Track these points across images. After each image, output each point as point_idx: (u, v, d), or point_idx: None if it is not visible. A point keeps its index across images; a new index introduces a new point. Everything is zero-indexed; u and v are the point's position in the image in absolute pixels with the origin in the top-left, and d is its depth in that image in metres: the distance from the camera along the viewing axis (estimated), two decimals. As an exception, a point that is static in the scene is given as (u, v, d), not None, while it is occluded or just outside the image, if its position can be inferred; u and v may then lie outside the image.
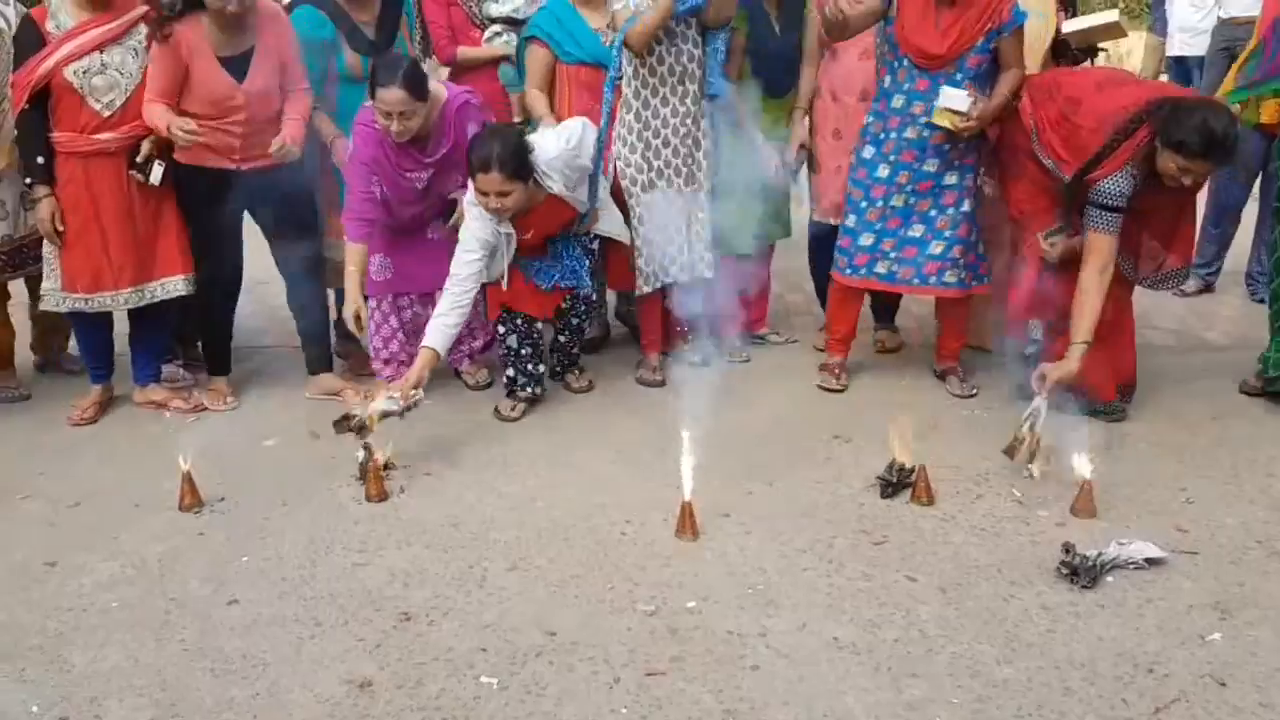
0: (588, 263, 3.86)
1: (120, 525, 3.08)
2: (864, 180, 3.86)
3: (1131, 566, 2.74)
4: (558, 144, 3.52)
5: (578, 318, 3.96)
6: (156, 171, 3.63)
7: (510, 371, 3.86)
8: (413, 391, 3.40)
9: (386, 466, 3.31)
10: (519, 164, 3.39)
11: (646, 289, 4.01)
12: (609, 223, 3.87)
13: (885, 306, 4.55)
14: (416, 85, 3.48)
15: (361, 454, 3.27)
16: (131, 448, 3.64)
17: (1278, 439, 3.55)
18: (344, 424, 3.34)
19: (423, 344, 3.51)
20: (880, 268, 3.93)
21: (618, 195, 3.92)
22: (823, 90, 4.21)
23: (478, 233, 3.53)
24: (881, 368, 4.31)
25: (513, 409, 3.83)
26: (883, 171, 3.82)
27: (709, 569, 2.80)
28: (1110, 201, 3.37)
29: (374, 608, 2.64)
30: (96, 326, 3.91)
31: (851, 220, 3.92)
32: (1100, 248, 3.39)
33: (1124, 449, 3.41)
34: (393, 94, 3.43)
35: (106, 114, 3.59)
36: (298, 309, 4.08)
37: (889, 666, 2.39)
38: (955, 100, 3.59)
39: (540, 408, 3.93)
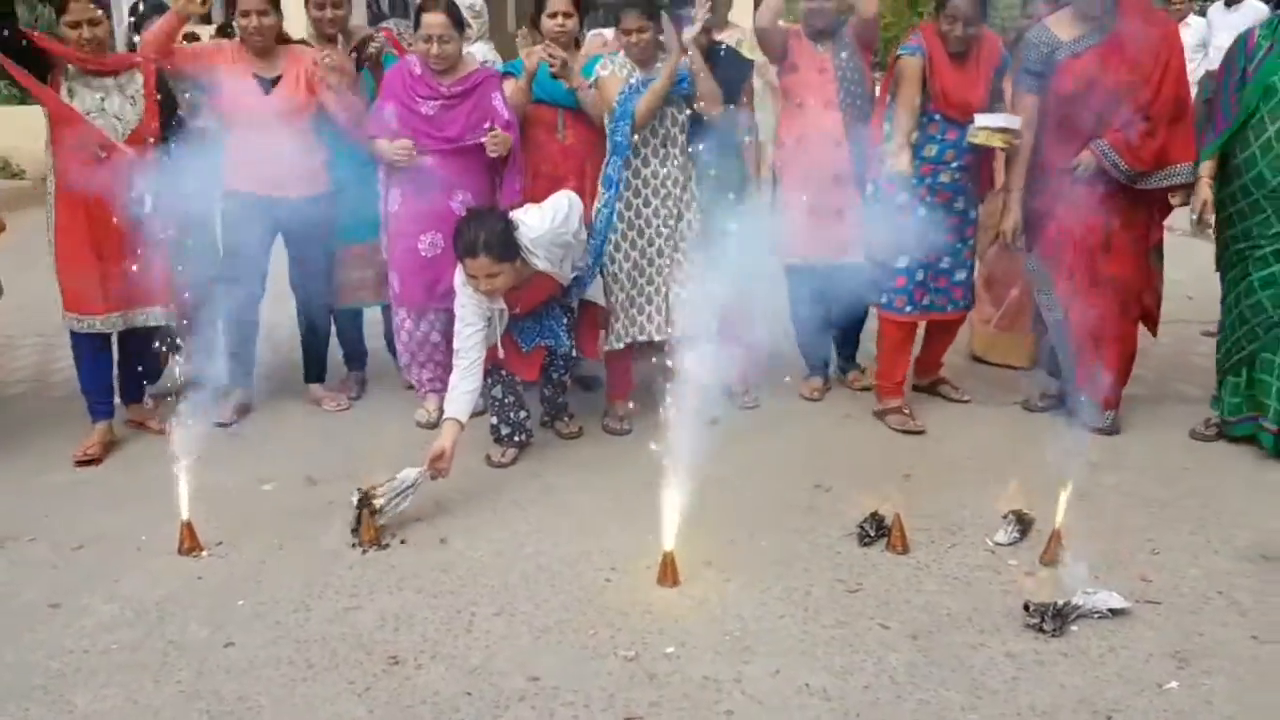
0: (565, 320, 3.98)
1: (121, 568, 3.18)
2: (910, 224, 4.14)
3: (1096, 616, 2.84)
4: (543, 222, 3.65)
5: (558, 372, 4.10)
6: (151, 201, 3.84)
7: (494, 420, 3.98)
8: (422, 470, 3.48)
9: (378, 511, 3.38)
10: (504, 246, 3.54)
11: (618, 345, 4.13)
12: (593, 289, 4.02)
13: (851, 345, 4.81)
14: (456, 16, 4.03)
15: (356, 497, 3.38)
16: (133, 491, 3.74)
17: (1244, 491, 3.67)
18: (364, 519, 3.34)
19: (445, 415, 3.65)
20: (926, 300, 4.26)
21: None
22: (785, 138, 4.43)
23: (474, 309, 3.68)
24: (861, 416, 4.43)
25: (503, 455, 3.95)
26: (923, 213, 4.11)
27: (689, 615, 2.90)
28: (1026, 64, 4.00)
29: (364, 651, 2.74)
30: (95, 357, 4.09)
31: (904, 261, 4.18)
32: (1024, 106, 4.02)
33: (1094, 499, 3.52)
34: (435, 17, 3.96)
35: (103, 154, 3.80)
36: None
37: (858, 713, 2.48)
38: (1012, 121, 3.96)
39: (530, 453, 4.04)
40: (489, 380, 3.88)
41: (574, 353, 4.06)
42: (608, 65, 4.02)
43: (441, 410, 4.07)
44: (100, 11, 3.87)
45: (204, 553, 3.27)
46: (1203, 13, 8.78)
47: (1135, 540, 3.30)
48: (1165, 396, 4.62)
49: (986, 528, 3.36)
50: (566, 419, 4.24)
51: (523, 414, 4.01)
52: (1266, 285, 3.81)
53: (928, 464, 3.92)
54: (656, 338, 4.10)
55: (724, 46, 4.30)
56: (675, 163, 4.06)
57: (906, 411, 4.31)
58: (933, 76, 4.02)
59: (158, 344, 4.11)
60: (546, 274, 3.75)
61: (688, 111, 4.04)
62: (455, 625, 2.86)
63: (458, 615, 2.91)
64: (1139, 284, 4.10)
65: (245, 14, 4.06)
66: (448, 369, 4.21)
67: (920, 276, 4.21)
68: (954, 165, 4.12)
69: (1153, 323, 4.27)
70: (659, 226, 4.07)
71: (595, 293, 4.05)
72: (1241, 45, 3.89)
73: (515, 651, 2.73)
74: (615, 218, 4.02)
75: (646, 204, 4.06)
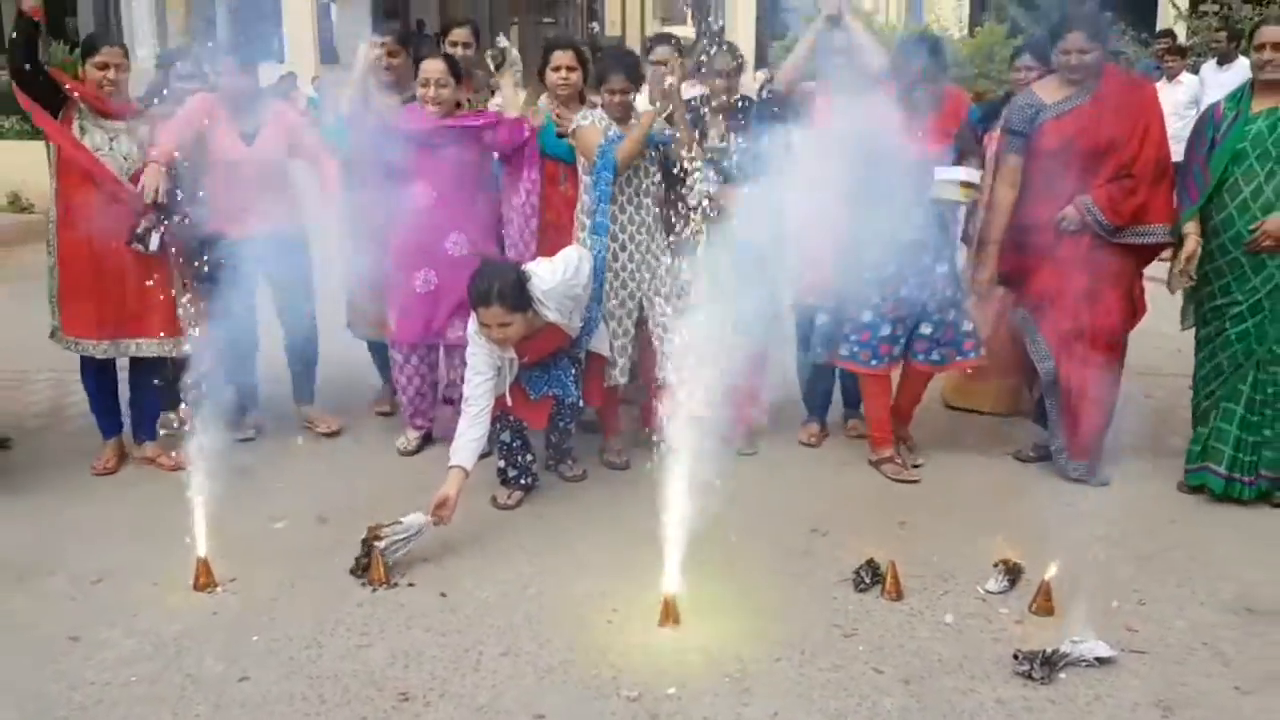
0: (574, 371, 4.11)
1: (139, 603, 3.27)
2: (876, 278, 4.24)
3: (1083, 664, 2.94)
4: (554, 275, 3.79)
5: (564, 421, 4.22)
6: (155, 239, 4.03)
7: (501, 463, 4.09)
8: (426, 519, 3.58)
9: (386, 550, 3.47)
10: (517, 296, 3.67)
11: (623, 381, 4.31)
12: (597, 339, 4.16)
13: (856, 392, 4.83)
14: (455, 65, 4.31)
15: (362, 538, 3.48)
16: (149, 526, 3.82)
17: (1230, 542, 3.77)
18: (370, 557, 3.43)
19: (451, 463, 3.74)
20: (895, 350, 4.34)
21: None
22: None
23: (485, 358, 3.81)
24: (858, 463, 4.52)
25: (509, 497, 4.05)
26: (890, 268, 4.19)
27: (689, 657, 2.99)
28: (1010, 125, 4.15)
29: (375, 688, 2.83)
30: (100, 381, 4.31)
31: (869, 316, 4.28)
32: (1009, 167, 4.16)
33: (1083, 549, 3.60)
34: (434, 63, 4.25)
35: (105, 189, 4.02)
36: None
37: (852, 755, 2.57)
38: (972, 175, 4.08)
39: (535, 496, 4.14)
40: (497, 425, 3.99)
41: (580, 402, 4.18)
42: (587, 116, 4.20)
43: (421, 439, 4.60)
44: (126, 59, 4.11)
45: (219, 588, 3.36)
46: (1196, 70, 8.97)
47: (1122, 590, 3.39)
48: (1154, 449, 4.71)
49: (978, 576, 3.45)
50: (570, 462, 4.35)
51: (529, 458, 4.12)
52: (1241, 339, 3.98)
53: (922, 512, 4.02)
54: (622, 380, 4.31)
55: (746, 100, 4.46)
56: (648, 213, 4.26)
57: (899, 461, 4.40)
58: None
59: (165, 376, 4.28)
60: (556, 326, 3.87)
61: (658, 167, 4.25)
62: (463, 664, 2.95)
63: (465, 654, 3.00)
64: (1119, 337, 4.22)
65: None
66: (431, 404, 4.56)
67: (885, 331, 4.28)
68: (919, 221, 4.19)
69: None
70: (633, 271, 4.26)
71: (599, 343, 4.18)
72: (1210, 115, 4.10)
73: (521, 691, 2.82)
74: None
75: (623, 248, 4.24)
